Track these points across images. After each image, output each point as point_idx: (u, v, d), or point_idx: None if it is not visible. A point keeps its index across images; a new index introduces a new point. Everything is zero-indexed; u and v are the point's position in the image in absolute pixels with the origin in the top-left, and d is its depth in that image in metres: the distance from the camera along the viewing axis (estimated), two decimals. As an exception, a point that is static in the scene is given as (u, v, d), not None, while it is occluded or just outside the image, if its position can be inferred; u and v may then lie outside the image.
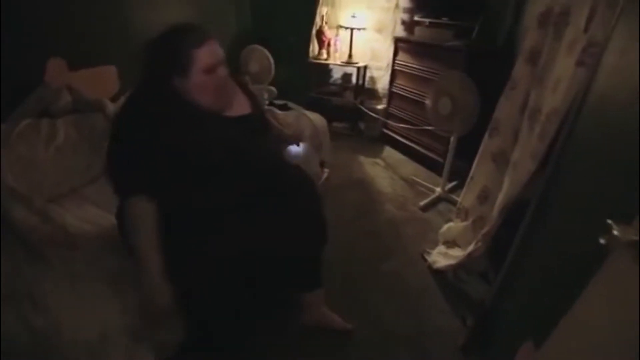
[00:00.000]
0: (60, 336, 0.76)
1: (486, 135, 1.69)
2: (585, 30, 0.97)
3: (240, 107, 1.26)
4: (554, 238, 1.00)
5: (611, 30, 0.84)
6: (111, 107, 1.79)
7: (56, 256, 0.94)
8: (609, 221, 0.51)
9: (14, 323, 0.74)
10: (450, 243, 1.87)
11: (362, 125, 3.47)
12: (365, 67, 3.32)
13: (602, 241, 0.51)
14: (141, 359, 1.00)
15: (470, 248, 1.56)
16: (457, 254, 1.74)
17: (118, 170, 1.07)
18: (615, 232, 0.50)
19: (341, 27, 3.29)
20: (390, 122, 3.14)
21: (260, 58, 2.91)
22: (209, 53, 1.08)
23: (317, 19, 3.21)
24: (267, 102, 2.33)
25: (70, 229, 1.20)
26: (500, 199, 1.41)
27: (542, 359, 0.76)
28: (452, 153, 2.32)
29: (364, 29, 3.18)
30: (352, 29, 3.12)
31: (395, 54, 2.97)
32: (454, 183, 2.49)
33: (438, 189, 2.44)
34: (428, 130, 2.65)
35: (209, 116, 1.13)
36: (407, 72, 2.88)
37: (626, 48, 0.77)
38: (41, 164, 1.48)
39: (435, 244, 1.94)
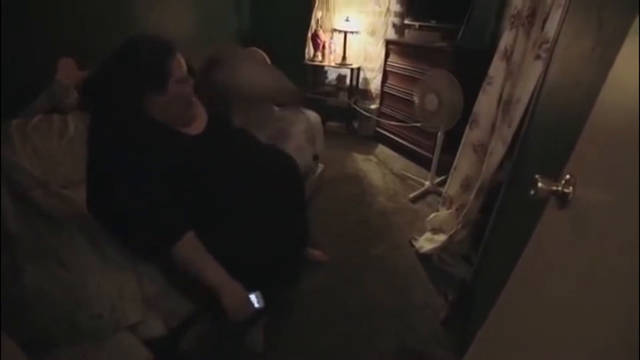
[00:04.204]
0: (86, 289, 0.88)
1: (467, 128, 1.82)
2: (542, 29, 1.11)
3: (200, 123, 1.22)
4: (516, 209, 1.13)
5: (559, 28, 0.98)
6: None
7: (77, 228, 1.05)
8: (536, 176, 0.63)
9: (47, 278, 0.86)
10: (437, 229, 1.99)
11: (356, 124, 3.62)
12: (358, 69, 3.46)
13: (531, 192, 0.64)
14: (152, 323, 1.11)
15: (452, 231, 1.69)
16: (443, 239, 1.86)
17: (151, 227, 0.98)
18: (540, 185, 0.63)
19: (335, 30, 3.44)
20: (383, 121, 3.28)
21: (258, 59, 3.03)
22: (179, 63, 1.04)
23: (312, 23, 3.36)
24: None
25: (84, 212, 1.31)
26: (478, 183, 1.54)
27: (498, 306, 0.89)
28: (439, 148, 2.46)
29: (357, 32, 3.33)
30: (345, 32, 3.27)
31: (387, 55, 3.12)
32: (442, 177, 2.62)
33: (427, 183, 2.57)
34: (418, 127, 2.79)
35: (180, 135, 1.11)
36: (398, 73, 3.03)
37: (569, 44, 0.91)
38: (55, 154, 1.60)
39: (422, 232, 2.06)
